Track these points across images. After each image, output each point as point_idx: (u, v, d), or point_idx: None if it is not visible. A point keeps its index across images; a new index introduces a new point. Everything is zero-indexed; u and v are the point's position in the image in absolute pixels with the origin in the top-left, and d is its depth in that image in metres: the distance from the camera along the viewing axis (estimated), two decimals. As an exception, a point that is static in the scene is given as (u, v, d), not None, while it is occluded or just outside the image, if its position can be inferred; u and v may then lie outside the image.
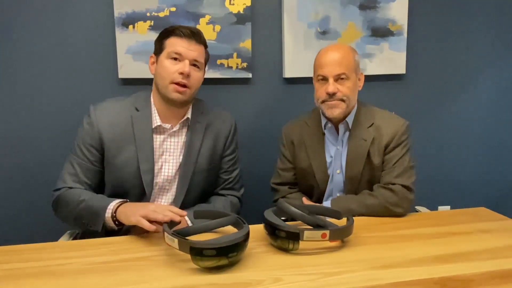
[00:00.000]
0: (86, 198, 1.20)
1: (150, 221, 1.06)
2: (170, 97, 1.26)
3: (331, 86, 1.33)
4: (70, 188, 1.25)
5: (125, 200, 1.20)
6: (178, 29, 1.26)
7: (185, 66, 1.24)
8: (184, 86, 1.25)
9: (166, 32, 1.28)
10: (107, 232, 1.19)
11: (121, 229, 1.18)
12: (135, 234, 1.15)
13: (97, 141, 1.27)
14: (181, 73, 1.24)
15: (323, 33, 1.94)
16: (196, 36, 1.27)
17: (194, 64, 1.27)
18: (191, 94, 1.29)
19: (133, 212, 1.09)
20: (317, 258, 0.98)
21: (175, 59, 1.25)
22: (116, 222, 1.15)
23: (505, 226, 1.19)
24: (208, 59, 1.37)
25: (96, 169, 1.29)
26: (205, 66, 1.34)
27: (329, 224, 1.07)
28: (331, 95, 1.34)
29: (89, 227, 1.18)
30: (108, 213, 1.15)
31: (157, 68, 1.28)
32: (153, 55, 1.32)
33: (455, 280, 0.89)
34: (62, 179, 1.27)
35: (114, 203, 1.17)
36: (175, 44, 1.25)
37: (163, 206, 1.11)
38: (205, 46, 1.32)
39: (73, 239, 1.30)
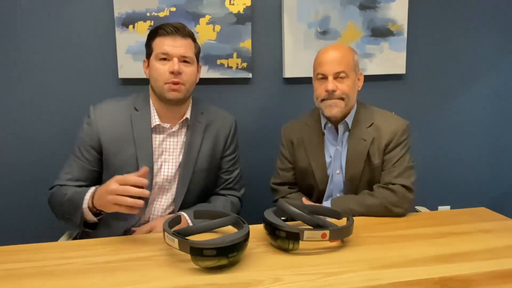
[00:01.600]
0: (68, 193, 1.18)
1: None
2: (167, 97, 1.26)
3: (331, 84, 1.33)
4: (62, 185, 1.25)
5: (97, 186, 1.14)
6: (161, 28, 1.26)
7: (174, 64, 1.23)
8: (177, 83, 1.25)
9: (151, 34, 1.28)
10: (90, 225, 1.18)
11: (100, 220, 1.17)
12: (136, 234, 1.16)
13: (96, 141, 1.27)
14: (172, 72, 1.23)
15: (323, 33, 1.94)
16: (179, 31, 1.26)
17: (183, 60, 1.26)
18: (187, 90, 1.28)
19: (105, 202, 1.05)
20: (317, 258, 0.98)
21: (164, 59, 1.25)
22: (98, 212, 1.13)
23: (505, 226, 1.19)
24: (200, 51, 1.35)
25: (94, 169, 1.29)
26: (197, 59, 1.33)
27: (329, 224, 1.07)
28: (331, 93, 1.34)
29: (73, 221, 1.17)
30: (85, 204, 1.13)
31: (150, 71, 1.29)
32: (145, 59, 1.32)
33: (455, 280, 0.89)
34: (58, 177, 1.28)
35: (90, 192, 1.13)
36: (161, 44, 1.25)
37: (121, 187, 1.02)
38: (193, 39, 1.31)
39: (73, 239, 1.30)
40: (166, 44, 1.24)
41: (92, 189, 1.14)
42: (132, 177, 1.02)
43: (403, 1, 2.00)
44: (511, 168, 2.31)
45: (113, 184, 1.02)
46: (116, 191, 1.01)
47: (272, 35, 1.93)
